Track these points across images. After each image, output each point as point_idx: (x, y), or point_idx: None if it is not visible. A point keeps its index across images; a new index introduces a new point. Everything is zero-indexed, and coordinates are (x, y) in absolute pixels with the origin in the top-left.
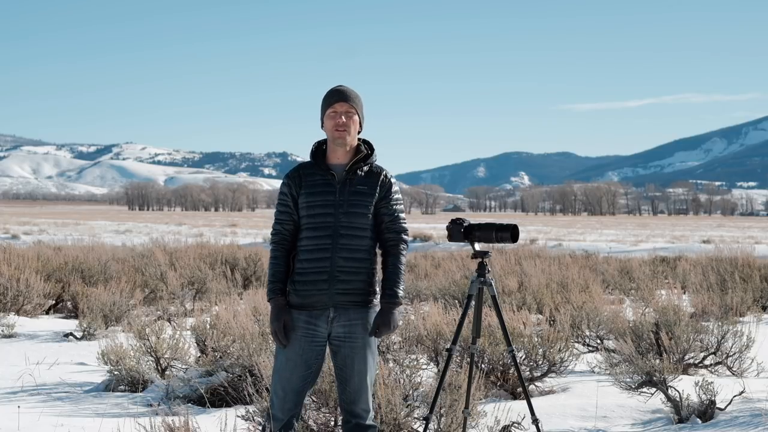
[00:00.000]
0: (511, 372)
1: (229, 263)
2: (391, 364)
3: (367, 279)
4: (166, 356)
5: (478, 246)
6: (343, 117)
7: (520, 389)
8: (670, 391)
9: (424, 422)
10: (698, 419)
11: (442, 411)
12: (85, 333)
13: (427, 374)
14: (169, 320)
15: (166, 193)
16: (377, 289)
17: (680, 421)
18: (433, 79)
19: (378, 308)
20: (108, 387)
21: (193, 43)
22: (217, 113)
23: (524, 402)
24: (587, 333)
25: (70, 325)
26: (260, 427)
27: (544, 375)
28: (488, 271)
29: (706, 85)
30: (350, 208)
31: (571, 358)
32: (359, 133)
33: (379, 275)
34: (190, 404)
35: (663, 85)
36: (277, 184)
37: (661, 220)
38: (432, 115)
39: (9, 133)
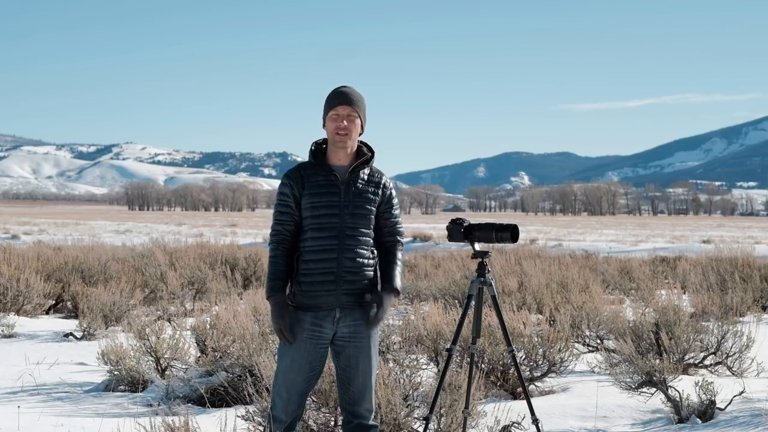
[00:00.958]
0: (511, 372)
1: (229, 263)
2: (391, 364)
3: (371, 279)
4: (166, 356)
5: (478, 246)
6: (345, 121)
7: (520, 389)
8: (670, 391)
9: (424, 422)
10: (698, 419)
11: (442, 411)
12: (85, 333)
13: (427, 374)
14: (169, 320)
15: (166, 193)
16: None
17: (680, 421)
18: (432, 79)
19: None
20: (108, 387)
21: (193, 43)
22: (217, 113)
23: (524, 402)
24: (587, 333)
25: (70, 325)
26: (261, 428)
27: (544, 375)
28: (488, 271)
29: (706, 85)
30: (355, 209)
31: (571, 358)
32: (360, 135)
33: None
34: (190, 404)
35: (663, 85)
36: (277, 183)
37: (661, 220)
38: (432, 115)
39: (9, 133)
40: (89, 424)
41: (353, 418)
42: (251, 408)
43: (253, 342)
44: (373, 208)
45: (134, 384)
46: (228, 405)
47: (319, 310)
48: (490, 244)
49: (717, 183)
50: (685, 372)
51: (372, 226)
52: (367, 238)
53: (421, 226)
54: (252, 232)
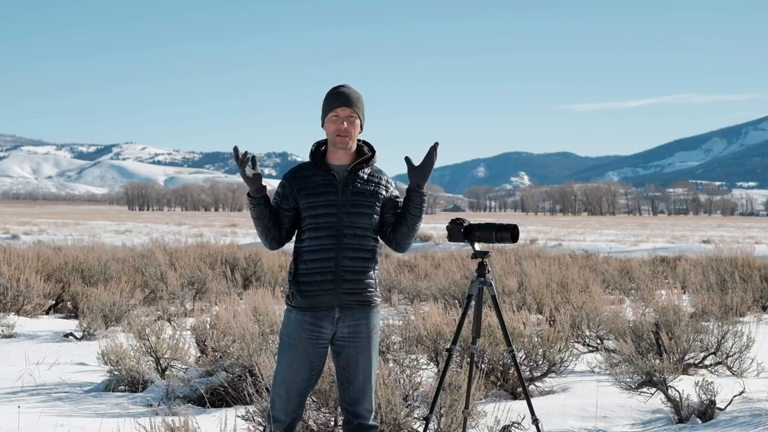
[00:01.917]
0: (511, 372)
1: (229, 263)
2: (391, 364)
3: (371, 279)
4: (166, 356)
5: (478, 246)
6: (345, 123)
7: (520, 389)
8: (670, 391)
9: (424, 422)
10: (698, 419)
11: (442, 411)
12: (85, 333)
13: (427, 374)
14: (169, 320)
15: (166, 193)
16: (379, 290)
17: (680, 421)
18: (432, 79)
19: (379, 309)
20: (108, 387)
21: (193, 43)
22: (217, 113)
23: (524, 402)
24: (587, 333)
25: (70, 325)
26: (261, 428)
27: (544, 375)
28: (488, 271)
29: (706, 85)
30: (353, 208)
31: (571, 358)
32: (359, 133)
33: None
34: (190, 404)
35: (663, 85)
36: (278, 183)
37: (661, 220)
38: (431, 115)
39: (9, 133)
40: (89, 424)
41: (353, 418)
42: (251, 408)
43: (252, 342)
44: (375, 208)
45: (134, 384)
46: (228, 405)
47: (319, 310)
48: (490, 244)
49: (717, 183)
50: (685, 372)
51: (373, 227)
52: (367, 238)
53: (421, 226)
54: (252, 232)
